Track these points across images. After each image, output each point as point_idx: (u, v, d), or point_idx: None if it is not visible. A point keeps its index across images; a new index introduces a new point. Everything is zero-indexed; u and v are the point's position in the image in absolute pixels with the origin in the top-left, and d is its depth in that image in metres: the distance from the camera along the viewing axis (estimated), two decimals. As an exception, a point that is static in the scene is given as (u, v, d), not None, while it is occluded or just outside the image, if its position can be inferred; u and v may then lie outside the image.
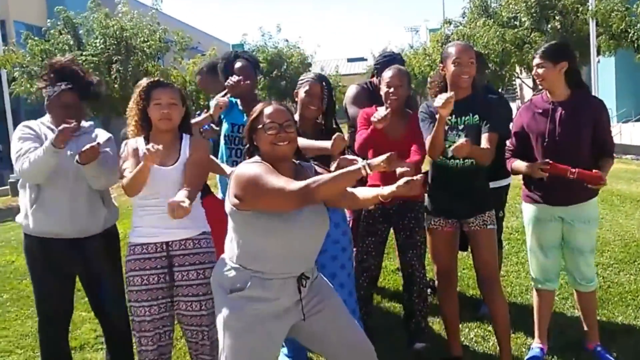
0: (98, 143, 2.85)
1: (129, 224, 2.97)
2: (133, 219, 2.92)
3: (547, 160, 3.11)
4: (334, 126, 3.55)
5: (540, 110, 3.29)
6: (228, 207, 2.40)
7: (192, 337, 2.93)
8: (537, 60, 3.27)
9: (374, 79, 4.37)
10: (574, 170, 3.06)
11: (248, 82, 3.86)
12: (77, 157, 2.84)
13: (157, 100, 2.83)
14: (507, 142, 3.48)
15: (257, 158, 2.44)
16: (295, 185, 2.19)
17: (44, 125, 3.12)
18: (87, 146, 2.80)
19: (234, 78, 3.80)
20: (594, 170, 3.07)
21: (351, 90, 4.49)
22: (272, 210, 2.30)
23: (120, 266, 3.22)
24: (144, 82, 2.93)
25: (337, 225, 3.34)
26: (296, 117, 3.35)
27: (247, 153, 2.52)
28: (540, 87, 3.36)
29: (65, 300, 3.20)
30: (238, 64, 3.96)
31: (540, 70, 3.24)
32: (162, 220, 2.78)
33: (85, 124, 3.18)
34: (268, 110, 2.45)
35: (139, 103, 2.87)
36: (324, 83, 3.50)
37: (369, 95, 4.26)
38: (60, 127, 2.82)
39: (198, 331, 2.90)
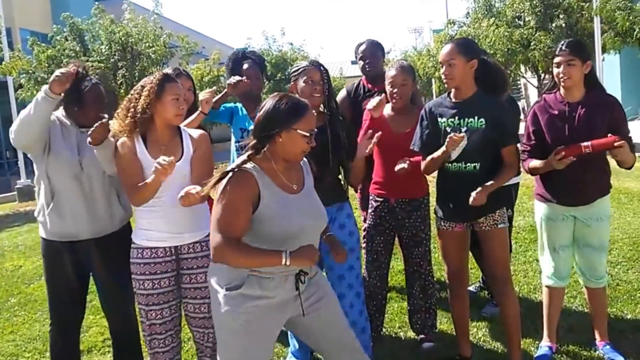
0: (106, 119, 2.73)
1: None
2: (138, 219, 2.88)
3: (558, 148, 3.04)
4: (336, 109, 3.30)
5: (557, 112, 3.20)
6: None
7: (198, 338, 2.94)
8: (565, 57, 3.12)
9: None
10: (587, 144, 2.99)
11: (248, 81, 3.75)
12: (88, 139, 2.74)
13: (174, 96, 2.73)
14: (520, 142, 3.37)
15: (250, 162, 2.32)
16: (223, 239, 2.19)
17: (57, 117, 3.00)
18: (97, 124, 2.69)
19: (235, 78, 3.71)
20: (608, 135, 3.00)
21: (339, 96, 4.37)
22: (268, 211, 2.28)
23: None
24: (156, 75, 2.80)
25: (342, 227, 3.33)
26: None
27: (254, 148, 2.33)
28: (562, 85, 3.18)
29: (78, 303, 3.19)
30: (245, 65, 3.91)
31: (569, 68, 3.11)
32: (171, 224, 2.78)
33: None
34: (310, 116, 2.34)
35: (149, 96, 2.71)
36: (321, 68, 3.27)
37: (348, 100, 4.29)
38: (60, 70, 2.70)
39: (205, 333, 2.91)
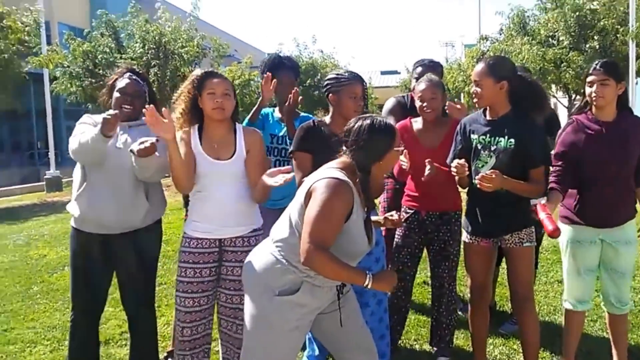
0: (157, 140, 2.80)
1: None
2: (190, 211, 3.03)
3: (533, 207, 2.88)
4: None
5: (593, 132, 3.14)
6: (299, 210, 2.33)
7: (226, 328, 3.00)
8: (598, 76, 3.08)
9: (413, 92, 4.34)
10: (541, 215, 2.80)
11: (296, 89, 3.66)
12: (134, 148, 2.79)
13: (210, 90, 2.87)
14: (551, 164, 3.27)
15: (343, 176, 2.28)
16: (320, 245, 2.16)
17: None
18: (147, 143, 2.74)
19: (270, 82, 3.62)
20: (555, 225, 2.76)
21: (387, 104, 4.44)
22: (354, 227, 2.31)
23: (156, 264, 3.29)
24: (197, 71, 2.96)
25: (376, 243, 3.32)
26: (328, 118, 3.32)
27: (359, 163, 2.35)
28: (594, 104, 3.13)
29: (100, 294, 3.24)
30: (283, 72, 3.82)
31: (602, 88, 3.07)
32: (218, 218, 2.91)
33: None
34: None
35: (191, 91, 2.90)
36: (363, 82, 3.24)
37: (402, 110, 4.21)
38: (104, 115, 2.81)
39: (234, 323, 2.97)
